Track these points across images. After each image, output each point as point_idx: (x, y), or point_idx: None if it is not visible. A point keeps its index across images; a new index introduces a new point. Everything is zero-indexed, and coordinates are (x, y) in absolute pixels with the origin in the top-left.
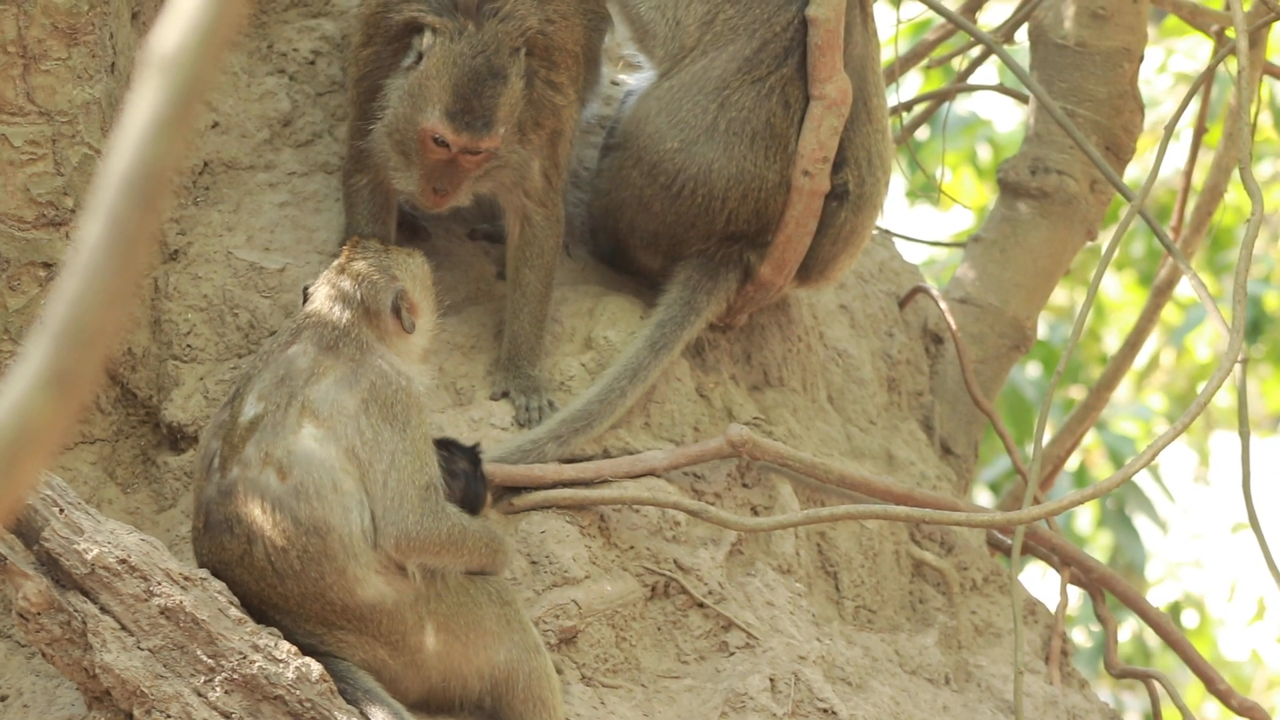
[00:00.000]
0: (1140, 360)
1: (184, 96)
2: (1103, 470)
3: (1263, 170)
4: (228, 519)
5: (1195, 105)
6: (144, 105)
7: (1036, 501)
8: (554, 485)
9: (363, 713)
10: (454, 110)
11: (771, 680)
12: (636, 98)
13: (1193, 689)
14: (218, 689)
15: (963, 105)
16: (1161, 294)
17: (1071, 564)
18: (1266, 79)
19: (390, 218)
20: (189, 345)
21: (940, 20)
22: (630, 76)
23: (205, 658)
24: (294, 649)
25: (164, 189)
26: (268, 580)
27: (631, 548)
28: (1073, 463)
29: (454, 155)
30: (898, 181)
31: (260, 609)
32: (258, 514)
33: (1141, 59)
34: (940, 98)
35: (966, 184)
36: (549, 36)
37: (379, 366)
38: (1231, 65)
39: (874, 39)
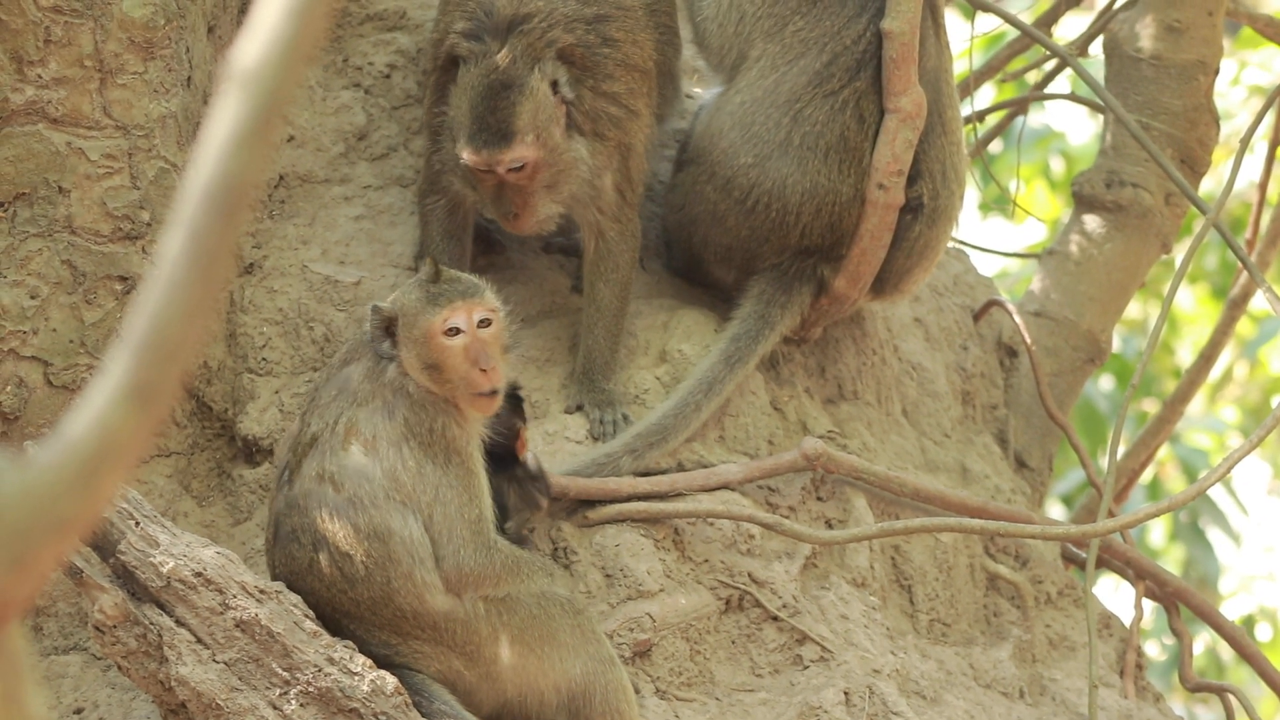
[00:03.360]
0: (1214, 373)
1: (265, 111)
2: (1176, 483)
3: None
4: (294, 530)
5: (1270, 118)
6: (225, 119)
7: (1111, 515)
8: (628, 498)
9: None
10: (473, 132)
11: (846, 694)
12: (708, 112)
13: (1267, 702)
14: (293, 702)
15: (1036, 118)
16: (1236, 307)
17: (1146, 577)
18: None
19: (466, 235)
20: (264, 359)
21: (1015, 33)
22: (702, 90)
23: (280, 670)
24: (369, 661)
25: (244, 203)
26: (338, 587)
27: (706, 561)
28: (1146, 476)
29: (500, 178)
30: (971, 194)
31: (333, 618)
32: (320, 523)
33: (1217, 72)
34: (1015, 107)
35: (1040, 197)
36: (596, 51)
37: (410, 401)
38: None
39: (946, 50)
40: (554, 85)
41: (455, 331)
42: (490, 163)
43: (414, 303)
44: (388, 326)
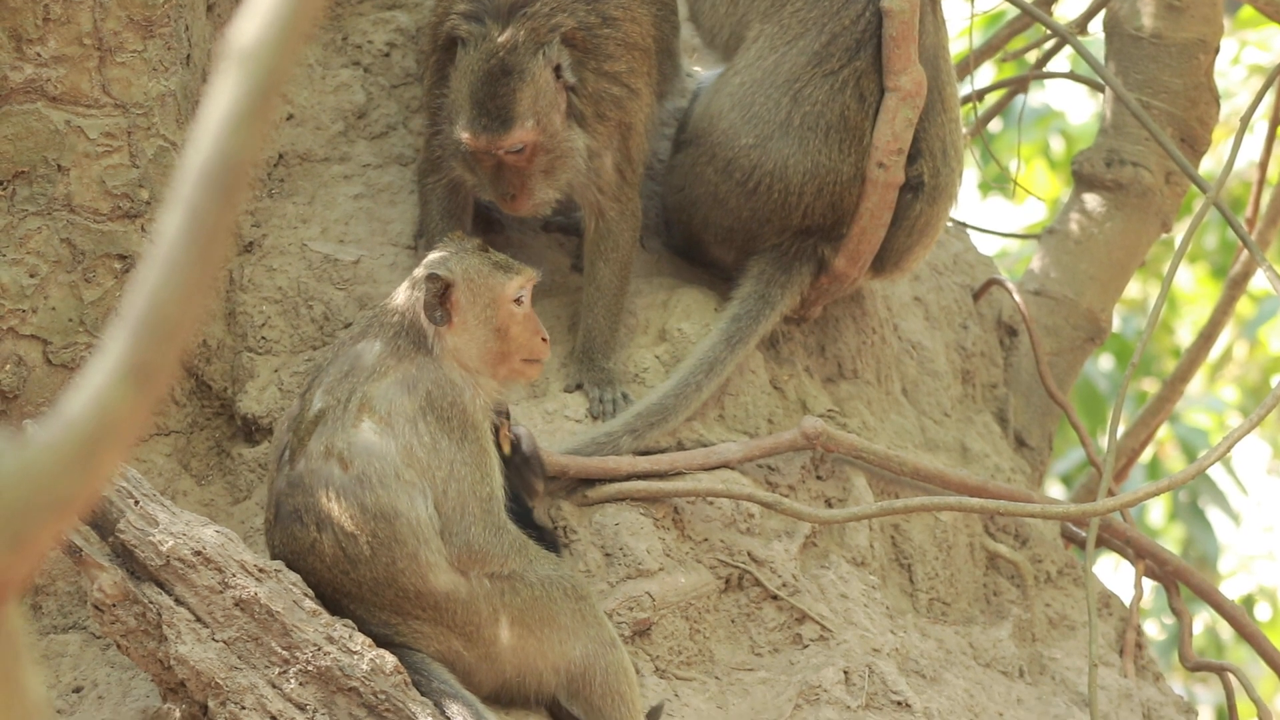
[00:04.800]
0: (1214, 353)
1: (262, 89)
2: (1176, 463)
3: None
4: (297, 509)
5: (1270, 97)
6: (222, 98)
7: (1111, 494)
8: (628, 477)
9: (437, 705)
10: (472, 116)
11: (845, 673)
12: (707, 93)
13: (1267, 681)
14: (292, 680)
15: (1036, 97)
16: (1236, 286)
17: (1146, 556)
18: None
19: (466, 214)
20: (263, 337)
21: (1015, 12)
22: (701, 69)
23: (280, 649)
24: (368, 640)
25: (242, 181)
26: (340, 567)
27: (705, 540)
28: (1146, 455)
29: (499, 159)
30: (971, 174)
31: (334, 598)
32: (324, 503)
33: (1217, 50)
34: (1015, 85)
35: (1040, 176)
36: (597, 32)
37: (436, 374)
38: None
39: (943, 26)
40: (557, 70)
41: (520, 300)
42: (489, 146)
43: (480, 268)
44: (442, 294)
